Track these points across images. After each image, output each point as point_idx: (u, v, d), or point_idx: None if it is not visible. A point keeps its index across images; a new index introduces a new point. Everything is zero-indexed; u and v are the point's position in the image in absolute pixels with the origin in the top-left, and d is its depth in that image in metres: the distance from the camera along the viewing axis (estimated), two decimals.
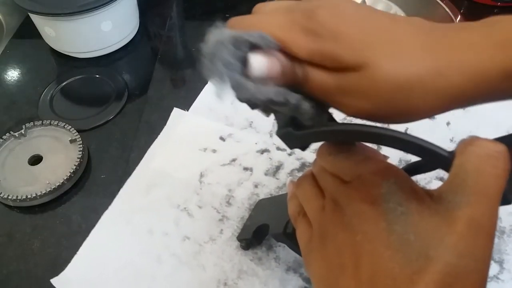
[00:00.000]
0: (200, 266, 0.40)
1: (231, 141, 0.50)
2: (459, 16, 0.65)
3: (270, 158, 0.48)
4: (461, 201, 0.20)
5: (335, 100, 0.22)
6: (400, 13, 0.67)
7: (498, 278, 0.40)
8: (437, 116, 0.51)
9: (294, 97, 0.22)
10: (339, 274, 0.23)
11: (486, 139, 0.21)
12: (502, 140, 0.21)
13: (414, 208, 0.21)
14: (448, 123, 0.50)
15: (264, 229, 0.38)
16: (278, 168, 0.48)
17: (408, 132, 0.49)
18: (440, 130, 0.49)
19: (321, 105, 0.24)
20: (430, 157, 0.21)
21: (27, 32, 0.66)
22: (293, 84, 0.23)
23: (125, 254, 0.41)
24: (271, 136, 0.50)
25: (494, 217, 0.20)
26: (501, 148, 0.20)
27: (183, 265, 0.40)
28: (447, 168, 0.21)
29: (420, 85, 0.20)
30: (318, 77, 0.22)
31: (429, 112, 0.21)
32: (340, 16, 0.22)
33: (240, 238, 0.41)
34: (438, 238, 0.20)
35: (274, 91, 0.21)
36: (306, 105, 0.22)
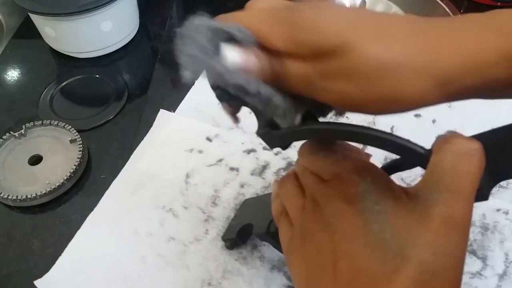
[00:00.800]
0: (184, 267, 0.40)
1: (217, 142, 0.50)
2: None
3: (256, 158, 0.49)
4: (437, 199, 0.20)
5: (317, 88, 0.22)
6: (400, 13, 0.67)
7: (481, 275, 0.40)
8: (423, 114, 0.51)
9: (266, 89, 0.22)
10: (318, 274, 0.23)
11: (462, 137, 0.21)
12: (479, 137, 0.21)
13: (390, 206, 0.22)
14: (434, 121, 0.50)
15: (248, 229, 0.38)
16: (264, 167, 0.48)
17: (394, 129, 0.50)
18: (426, 128, 0.50)
19: (299, 102, 0.23)
20: (408, 154, 0.21)
21: (27, 32, 0.66)
22: (272, 80, 0.22)
23: (110, 255, 0.41)
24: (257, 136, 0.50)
25: (468, 214, 0.20)
26: (477, 145, 0.20)
27: (168, 265, 0.41)
28: (424, 166, 0.21)
29: (408, 65, 0.19)
30: (298, 68, 0.21)
31: (420, 98, 0.20)
32: (322, 9, 0.21)
33: (224, 238, 0.41)
34: (414, 236, 0.20)
35: (245, 78, 0.21)
36: (278, 99, 0.22)
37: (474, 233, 0.42)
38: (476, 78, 0.20)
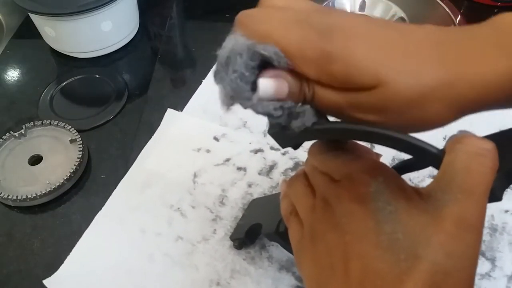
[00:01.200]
0: (192, 266, 0.40)
1: (225, 141, 0.50)
2: (459, 16, 0.65)
3: (264, 157, 0.48)
4: (449, 200, 0.20)
5: (345, 115, 0.22)
6: (400, 13, 0.67)
7: (490, 276, 0.40)
8: None
9: (292, 109, 0.22)
10: (329, 274, 0.23)
11: (475, 137, 0.21)
12: (491, 137, 0.21)
13: (402, 207, 0.22)
14: None
15: (257, 229, 0.38)
16: (271, 167, 0.48)
17: None
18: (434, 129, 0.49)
19: (323, 115, 0.24)
20: (420, 154, 0.21)
21: (27, 32, 0.66)
22: (300, 101, 0.22)
23: (118, 254, 0.41)
24: (265, 136, 0.50)
25: (481, 215, 0.20)
26: (490, 145, 0.20)
27: (176, 264, 0.40)
28: (437, 166, 0.21)
29: (432, 97, 0.20)
30: (328, 96, 0.22)
31: (441, 122, 0.21)
32: (353, 36, 0.21)
33: (233, 238, 0.41)
34: (426, 237, 0.20)
35: (273, 106, 0.22)
36: (299, 108, 0.22)
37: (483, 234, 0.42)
38: (491, 98, 0.21)
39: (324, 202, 0.25)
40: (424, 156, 0.21)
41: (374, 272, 0.21)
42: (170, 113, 0.53)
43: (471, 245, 0.20)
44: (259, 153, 0.49)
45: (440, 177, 0.21)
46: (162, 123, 0.52)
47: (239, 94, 0.21)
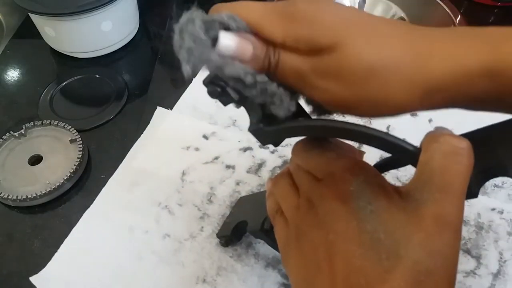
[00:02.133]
0: (179, 263, 0.41)
1: (214, 140, 0.50)
2: (459, 16, 0.65)
3: (252, 156, 0.49)
4: (427, 199, 0.20)
5: (308, 84, 0.22)
6: (400, 13, 0.67)
7: (475, 274, 0.40)
8: (419, 113, 0.51)
9: (262, 77, 0.22)
10: (315, 273, 0.23)
11: (450, 135, 0.21)
12: (468, 135, 0.21)
13: (383, 206, 0.22)
14: (430, 120, 0.51)
15: (243, 226, 0.38)
16: (260, 165, 0.48)
17: (391, 128, 0.50)
18: (422, 127, 0.50)
19: (293, 92, 0.24)
20: (397, 152, 0.22)
21: (27, 32, 0.66)
22: (266, 70, 0.23)
23: (106, 252, 0.42)
24: None
25: (460, 213, 0.20)
26: (465, 144, 0.20)
27: (163, 262, 0.41)
28: (414, 164, 0.21)
29: (396, 70, 0.20)
30: (292, 61, 0.22)
31: (405, 103, 0.21)
32: (319, 5, 0.22)
33: (219, 235, 0.41)
34: (407, 236, 0.20)
35: (243, 68, 0.21)
36: (274, 86, 0.22)
37: (468, 232, 0.42)
38: (460, 89, 0.20)
39: (308, 201, 0.25)
40: (401, 154, 0.22)
41: (357, 270, 0.21)
42: (159, 111, 0.53)
43: (451, 243, 0.20)
44: (248, 151, 0.49)
45: (417, 176, 0.21)
46: (151, 121, 0.52)
47: (198, 52, 0.21)
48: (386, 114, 0.22)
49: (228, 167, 0.48)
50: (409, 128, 0.49)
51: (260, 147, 0.49)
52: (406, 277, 0.19)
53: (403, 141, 0.21)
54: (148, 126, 0.51)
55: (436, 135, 0.21)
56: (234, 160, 0.48)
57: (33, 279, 0.39)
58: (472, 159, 0.20)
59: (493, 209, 0.44)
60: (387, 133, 0.21)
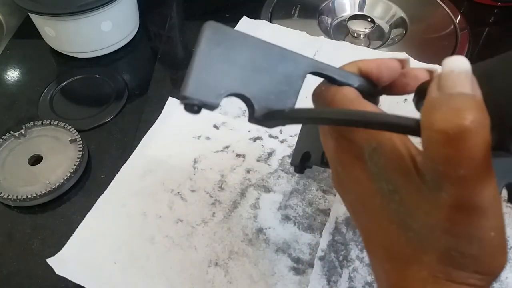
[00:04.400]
0: (192, 247, 0.41)
1: (224, 129, 0.51)
2: (459, 16, 0.65)
3: (262, 145, 0.49)
4: (442, 186, 0.18)
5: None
6: (400, 13, 0.67)
7: None
8: (409, 98, 0.51)
9: None
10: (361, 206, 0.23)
11: (451, 103, 0.17)
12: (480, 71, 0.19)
13: (401, 185, 0.20)
14: None
15: (307, 157, 0.36)
16: (270, 154, 0.49)
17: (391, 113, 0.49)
18: (413, 112, 0.49)
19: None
20: (399, 130, 0.20)
21: (27, 32, 0.66)
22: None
23: (119, 236, 0.42)
24: None
25: (488, 194, 0.18)
26: (472, 115, 0.17)
27: (176, 246, 0.42)
28: (418, 135, 0.19)
29: None
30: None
31: None
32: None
33: (292, 163, 0.39)
34: (430, 223, 0.19)
35: None
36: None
37: None
38: None
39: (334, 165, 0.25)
40: (403, 131, 0.20)
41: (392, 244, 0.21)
42: (171, 101, 0.53)
43: (478, 226, 0.18)
44: (257, 141, 0.50)
45: (426, 155, 0.19)
46: (163, 111, 0.53)
47: None
48: None
49: (238, 155, 0.49)
50: (401, 113, 0.49)
51: (269, 137, 0.50)
52: (437, 259, 0.19)
53: (398, 117, 0.19)
54: (160, 115, 0.52)
55: (434, 107, 0.18)
56: (244, 149, 0.49)
57: (50, 260, 0.40)
58: (487, 126, 0.17)
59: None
60: (380, 114, 0.20)
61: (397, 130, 0.20)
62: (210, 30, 0.22)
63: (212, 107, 0.22)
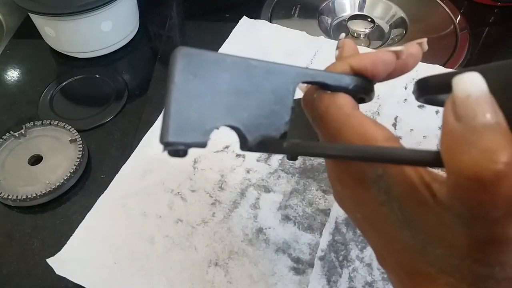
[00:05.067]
0: (192, 247, 0.41)
1: (224, 129, 0.50)
2: (459, 16, 0.65)
3: None
4: (473, 224, 0.17)
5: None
6: (400, 13, 0.67)
7: None
8: (427, 106, 0.52)
9: None
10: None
11: (478, 144, 0.15)
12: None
13: (419, 216, 0.18)
14: (437, 112, 0.51)
15: None
16: (270, 154, 0.49)
17: (398, 120, 0.50)
18: (430, 119, 0.50)
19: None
20: (417, 164, 0.18)
21: (27, 32, 0.66)
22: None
23: (119, 236, 0.42)
24: None
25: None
26: (506, 155, 0.15)
27: (176, 246, 0.42)
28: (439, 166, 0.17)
29: None
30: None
31: None
32: None
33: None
34: (457, 254, 0.18)
35: None
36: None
37: None
38: None
39: None
40: (422, 165, 0.18)
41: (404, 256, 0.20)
42: None
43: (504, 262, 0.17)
44: None
45: (454, 196, 0.17)
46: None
47: None
48: None
49: (238, 156, 0.49)
50: (416, 119, 0.49)
51: None
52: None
53: (415, 151, 0.17)
54: (160, 116, 0.52)
55: (456, 148, 0.16)
56: None
57: (50, 260, 0.40)
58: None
59: None
60: (391, 149, 0.18)
61: (415, 165, 0.18)
62: (183, 59, 0.19)
63: (200, 146, 0.20)
